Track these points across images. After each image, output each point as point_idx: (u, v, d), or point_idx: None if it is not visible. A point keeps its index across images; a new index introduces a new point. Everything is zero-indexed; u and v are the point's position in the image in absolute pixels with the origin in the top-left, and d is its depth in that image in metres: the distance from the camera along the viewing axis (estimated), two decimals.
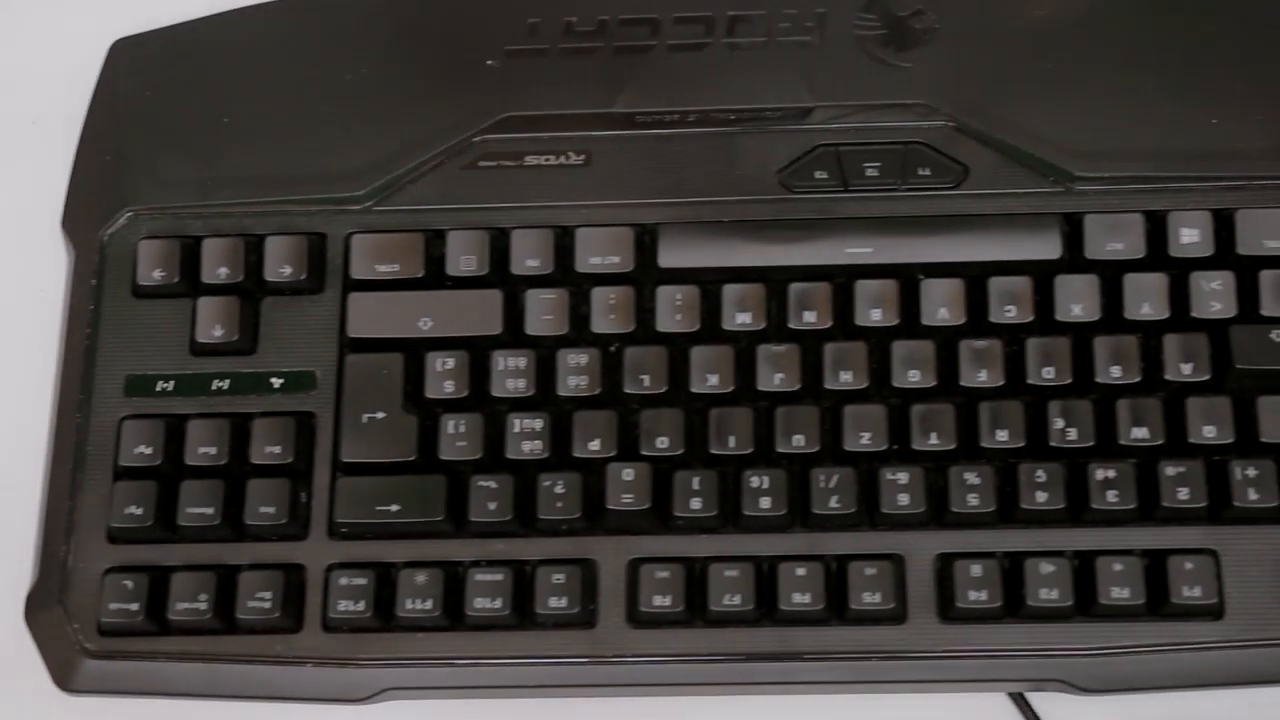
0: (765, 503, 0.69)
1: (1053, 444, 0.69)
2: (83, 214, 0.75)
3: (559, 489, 0.69)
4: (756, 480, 0.69)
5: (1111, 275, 0.71)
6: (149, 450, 0.70)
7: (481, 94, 0.76)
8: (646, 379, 0.70)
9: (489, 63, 0.76)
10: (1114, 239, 0.71)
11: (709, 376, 0.70)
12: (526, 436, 0.70)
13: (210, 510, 0.70)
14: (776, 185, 0.73)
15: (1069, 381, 0.70)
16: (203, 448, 0.70)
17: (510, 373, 0.71)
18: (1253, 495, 0.68)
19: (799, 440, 0.69)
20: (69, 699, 0.70)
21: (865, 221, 0.72)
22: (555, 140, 0.75)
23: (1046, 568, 0.68)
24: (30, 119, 0.80)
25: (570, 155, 0.75)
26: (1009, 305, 0.70)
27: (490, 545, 0.69)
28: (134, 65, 0.78)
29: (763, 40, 0.76)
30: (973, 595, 0.68)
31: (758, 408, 0.70)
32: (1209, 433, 0.69)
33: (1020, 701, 0.71)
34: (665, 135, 0.75)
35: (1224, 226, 0.71)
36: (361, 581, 0.69)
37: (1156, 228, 0.71)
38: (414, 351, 0.72)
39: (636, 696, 0.70)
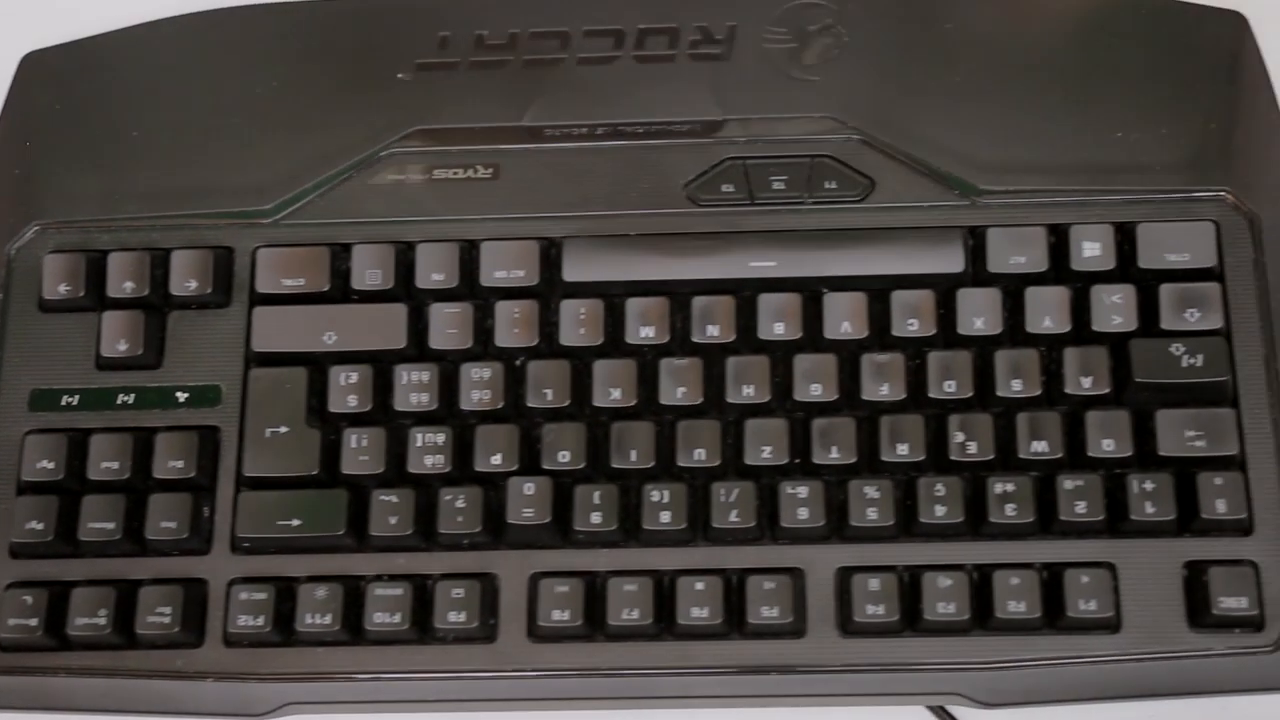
0: (665, 517, 0.68)
1: (953, 457, 0.69)
2: None
3: (460, 503, 0.69)
4: (657, 494, 0.69)
5: (1014, 289, 0.70)
6: (51, 465, 0.70)
7: (391, 107, 0.75)
8: (549, 393, 0.70)
9: (399, 76, 0.76)
10: (1017, 252, 0.71)
11: (611, 390, 0.70)
12: (429, 451, 0.70)
13: (111, 525, 0.69)
14: (683, 199, 0.73)
15: (970, 395, 0.69)
16: (105, 462, 0.70)
17: (413, 387, 0.70)
18: (1149, 509, 0.68)
19: (700, 454, 0.69)
20: None
21: (770, 235, 0.72)
22: (463, 154, 0.74)
23: (944, 581, 0.67)
24: None
25: (478, 169, 0.74)
26: (911, 319, 0.70)
27: (391, 560, 0.69)
28: (44, 78, 0.77)
29: (672, 54, 0.76)
30: (871, 609, 0.67)
31: (660, 421, 0.70)
32: (1108, 446, 0.68)
33: (941, 713, 0.70)
34: (573, 149, 0.74)
35: (1126, 240, 0.71)
36: (262, 596, 0.68)
37: (1059, 241, 0.71)
38: (318, 366, 0.71)
39: (537, 710, 0.69)
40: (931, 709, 0.71)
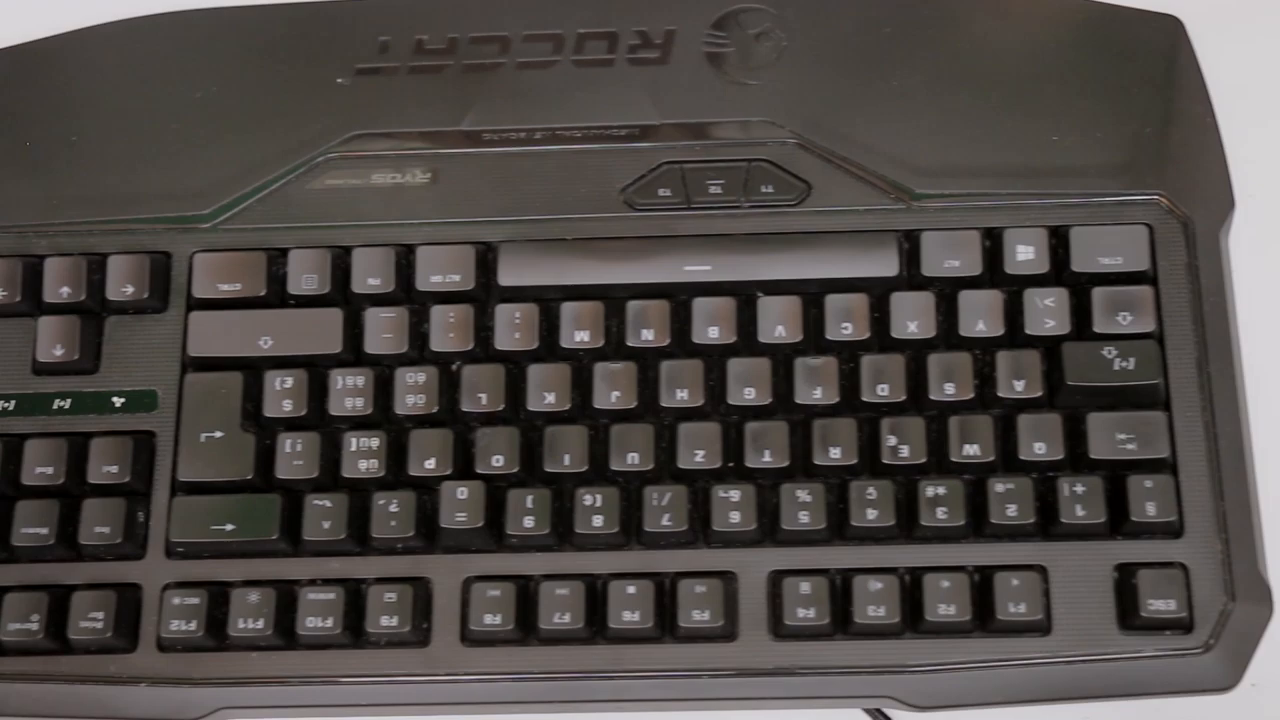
0: (598, 521, 0.68)
1: (885, 461, 0.68)
2: None
3: (394, 508, 0.68)
4: (590, 498, 0.68)
5: (948, 292, 0.70)
6: None
7: (330, 112, 0.75)
8: (484, 397, 0.70)
9: (339, 80, 0.76)
10: (951, 256, 0.70)
11: (546, 394, 0.69)
12: (363, 455, 0.69)
13: (45, 531, 0.69)
14: (620, 203, 0.73)
15: (903, 398, 0.69)
16: (40, 468, 0.70)
17: (348, 391, 0.70)
18: (1080, 512, 0.67)
19: (633, 458, 0.69)
20: None
21: (705, 239, 0.72)
22: (401, 158, 0.74)
23: (875, 585, 0.67)
24: None
25: (416, 173, 0.74)
26: (845, 322, 0.70)
27: (324, 564, 0.69)
28: None
29: (611, 58, 0.75)
30: (802, 613, 0.67)
31: (594, 425, 0.69)
32: (1039, 449, 0.68)
33: (877, 715, 0.70)
34: (511, 153, 0.74)
35: (1060, 243, 0.70)
36: (195, 601, 0.68)
37: (994, 245, 0.71)
38: (254, 370, 0.71)
39: (469, 714, 0.69)
40: (868, 711, 0.70)
